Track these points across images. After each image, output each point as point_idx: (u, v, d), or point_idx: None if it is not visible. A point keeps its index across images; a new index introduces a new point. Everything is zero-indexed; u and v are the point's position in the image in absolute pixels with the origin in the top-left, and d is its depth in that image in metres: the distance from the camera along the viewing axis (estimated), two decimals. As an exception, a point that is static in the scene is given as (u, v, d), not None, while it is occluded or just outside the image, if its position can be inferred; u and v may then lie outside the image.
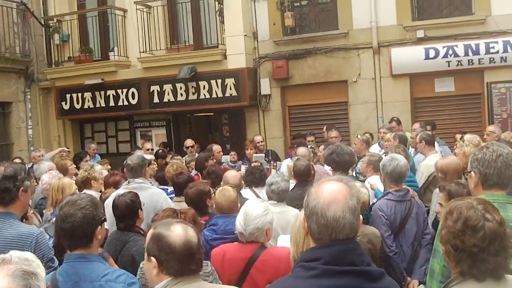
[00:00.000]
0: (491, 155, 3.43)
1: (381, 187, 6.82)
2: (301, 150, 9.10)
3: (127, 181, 6.81)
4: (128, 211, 5.03)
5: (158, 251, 2.83)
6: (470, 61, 12.71)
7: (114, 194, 5.95)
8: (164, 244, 2.81)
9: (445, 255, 2.72)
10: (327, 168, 7.75)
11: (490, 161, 3.42)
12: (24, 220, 5.39)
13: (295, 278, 2.43)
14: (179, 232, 2.82)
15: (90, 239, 3.38)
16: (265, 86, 14.35)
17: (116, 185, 6.99)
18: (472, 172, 3.52)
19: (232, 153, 12.02)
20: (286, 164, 9.06)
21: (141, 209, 5.18)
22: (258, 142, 11.91)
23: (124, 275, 3.39)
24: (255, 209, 4.36)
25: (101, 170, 7.78)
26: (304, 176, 6.77)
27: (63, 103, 15.64)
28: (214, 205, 5.62)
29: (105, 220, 3.51)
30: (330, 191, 2.45)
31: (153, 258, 2.85)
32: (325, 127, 12.57)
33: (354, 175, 8.10)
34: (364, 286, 2.37)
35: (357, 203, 2.46)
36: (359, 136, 10.40)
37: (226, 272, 4.32)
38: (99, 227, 3.42)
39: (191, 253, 2.80)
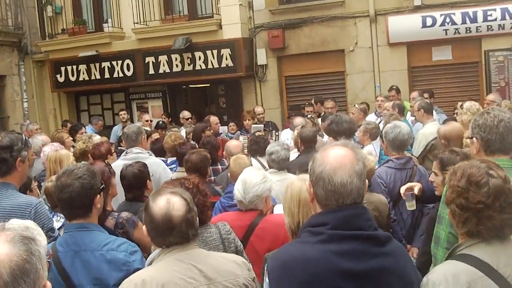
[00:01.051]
0: (493, 120, 3.38)
1: (376, 156, 6.80)
2: (298, 120, 9.07)
3: (125, 151, 6.75)
4: (136, 181, 4.98)
5: (145, 220, 2.86)
6: (468, 29, 12.62)
7: (120, 164, 5.88)
8: (147, 215, 2.83)
9: (451, 217, 2.68)
10: (326, 138, 7.72)
11: (492, 127, 3.37)
12: (28, 192, 5.35)
13: (302, 243, 2.42)
14: (160, 205, 2.79)
15: (89, 208, 3.35)
16: (261, 56, 14.25)
17: (110, 153, 6.88)
18: (474, 138, 3.48)
19: (231, 124, 11.98)
20: (289, 134, 9.04)
21: (150, 179, 5.14)
22: (259, 114, 11.83)
23: (125, 244, 3.36)
24: (254, 177, 4.34)
25: (99, 141, 7.71)
26: (312, 143, 6.76)
27: (58, 75, 15.52)
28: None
29: (103, 189, 3.47)
30: (336, 156, 2.43)
31: (144, 227, 2.88)
32: (312, 100, 12.32)
33: (353, 143, 8.08)
34: (372, 250, 2.36)
35: (363, 168, 2.44)
36: (356, 106, 10.36)
37: (226, 241, 4.31)
38: (98, 196, 3.39)
39: (169, 227, 2.76)
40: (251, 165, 5.62)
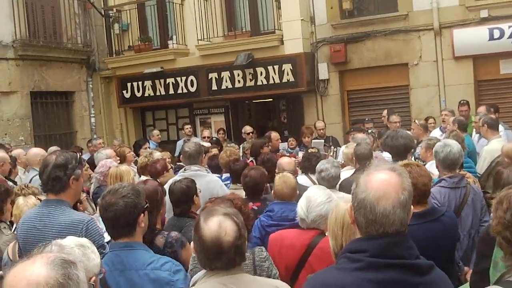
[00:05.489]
0: None
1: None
2: (359, 135, 8.93)
3: (184, 168, 6.81)
4: (183, 196, 5.02)
5: (194, 240, 2.81)
6: (537, 40, 12.13)
7: (171, 180, 5.94)
8: (196, 235, 2.76)
9: (499, 246, 2.57)
10: (386, 154, 7.55)
11: None
12: (78, 203, 5.47)
13: (339, 270, 2.34)
14: (212, 227, 2.72)
15: (133, 227, 3.37)
16: (323, 71, 14.17)
17: (166, 169, 6.94)
18: None
19: (290, 139, 11.95)
20: (341, 151, 8.92)
21: (197, 195, 5.16)
22: (320, 129, 11.82)
23: (169, 263, 3.36)
24: (319, 195, 4.25)
25: (160, 156, 7.81)
26: (367, 160, 6.61)
27: (124, 91, 15.94)
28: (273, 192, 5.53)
29: (147, 208, 3.49)
30: (380, 183, 2.30)
31: (192, 244, 2.84)
32: (385, 111, 12.28)
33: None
34: (412, 280, 2.25)
35: (409, 197, 2.31)
36: (416, 121, 10.15)
37: (283, 258, 4.25)
38: (142, 215, 3.41)
39: (218, 252, 2.69)
40: (297, 183, 5.51)
